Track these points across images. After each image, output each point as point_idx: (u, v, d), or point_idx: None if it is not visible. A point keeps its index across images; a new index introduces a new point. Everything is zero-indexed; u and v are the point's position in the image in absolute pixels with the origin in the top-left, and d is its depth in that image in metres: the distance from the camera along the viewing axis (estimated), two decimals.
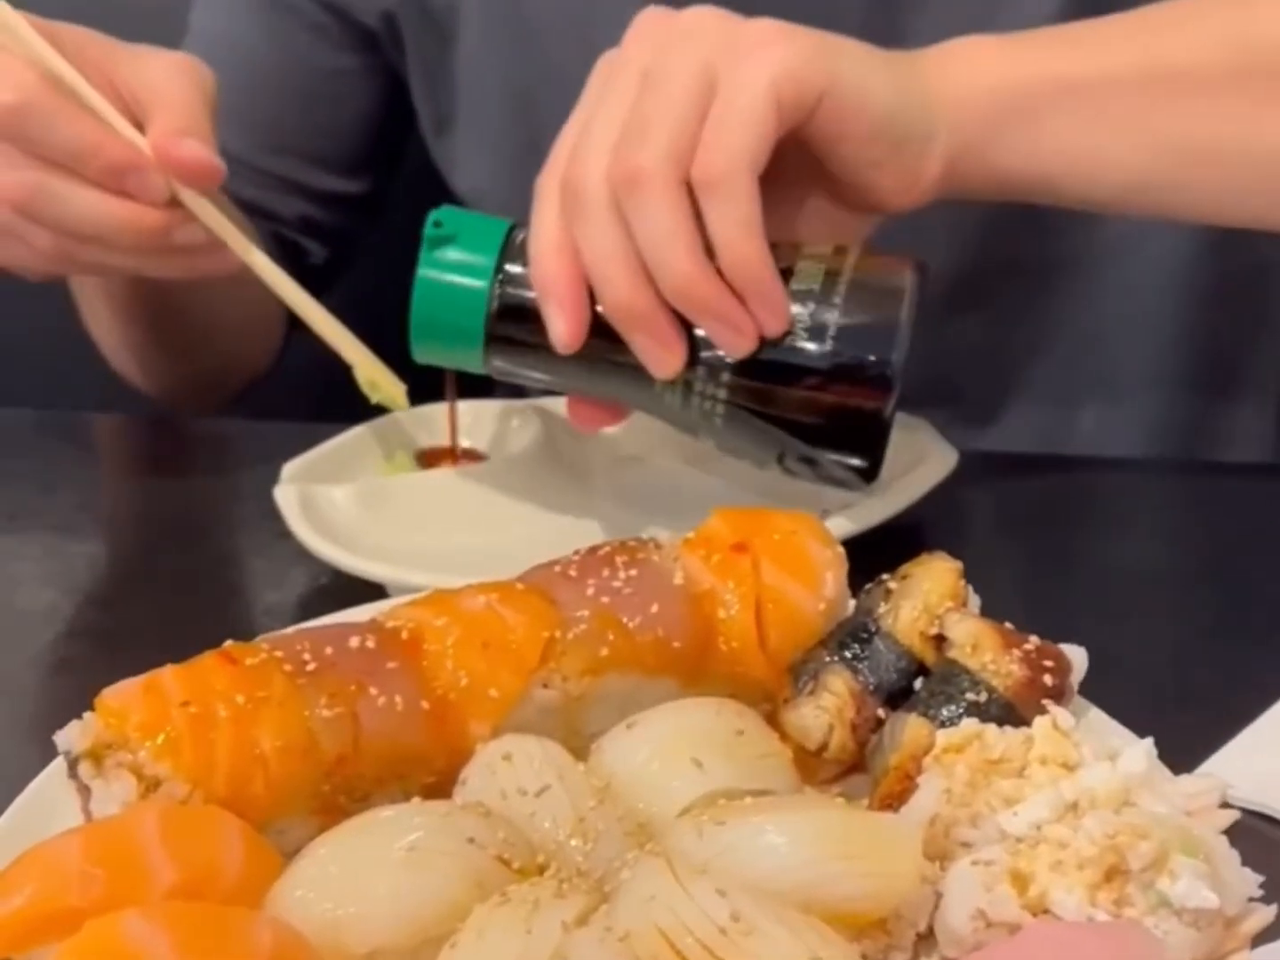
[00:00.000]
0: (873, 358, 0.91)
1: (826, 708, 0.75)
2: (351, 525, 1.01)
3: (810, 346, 0.91)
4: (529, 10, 1.27)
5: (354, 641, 0.74)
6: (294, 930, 0.62)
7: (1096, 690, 0.77)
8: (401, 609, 0.78)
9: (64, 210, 1.03)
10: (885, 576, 0.80)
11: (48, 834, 0.67)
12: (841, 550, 0.82)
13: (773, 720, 0.76)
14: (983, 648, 0.74)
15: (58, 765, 0.73)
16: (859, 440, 0.93)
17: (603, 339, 0.91)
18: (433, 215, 0.94)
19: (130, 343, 1.34)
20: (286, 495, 1.01)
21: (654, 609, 0.77)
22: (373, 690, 0.72)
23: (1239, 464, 1.26)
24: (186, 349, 1.34)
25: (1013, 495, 1.12)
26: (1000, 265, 1.25)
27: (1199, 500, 1.11)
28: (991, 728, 0.70)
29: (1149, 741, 0.69)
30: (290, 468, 1.05)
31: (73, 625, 1.00)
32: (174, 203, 1.04)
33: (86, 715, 0.70)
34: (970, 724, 0.71)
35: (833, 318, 0.91)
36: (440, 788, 0.72)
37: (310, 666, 0.72)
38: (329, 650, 0.73)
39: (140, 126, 1.03)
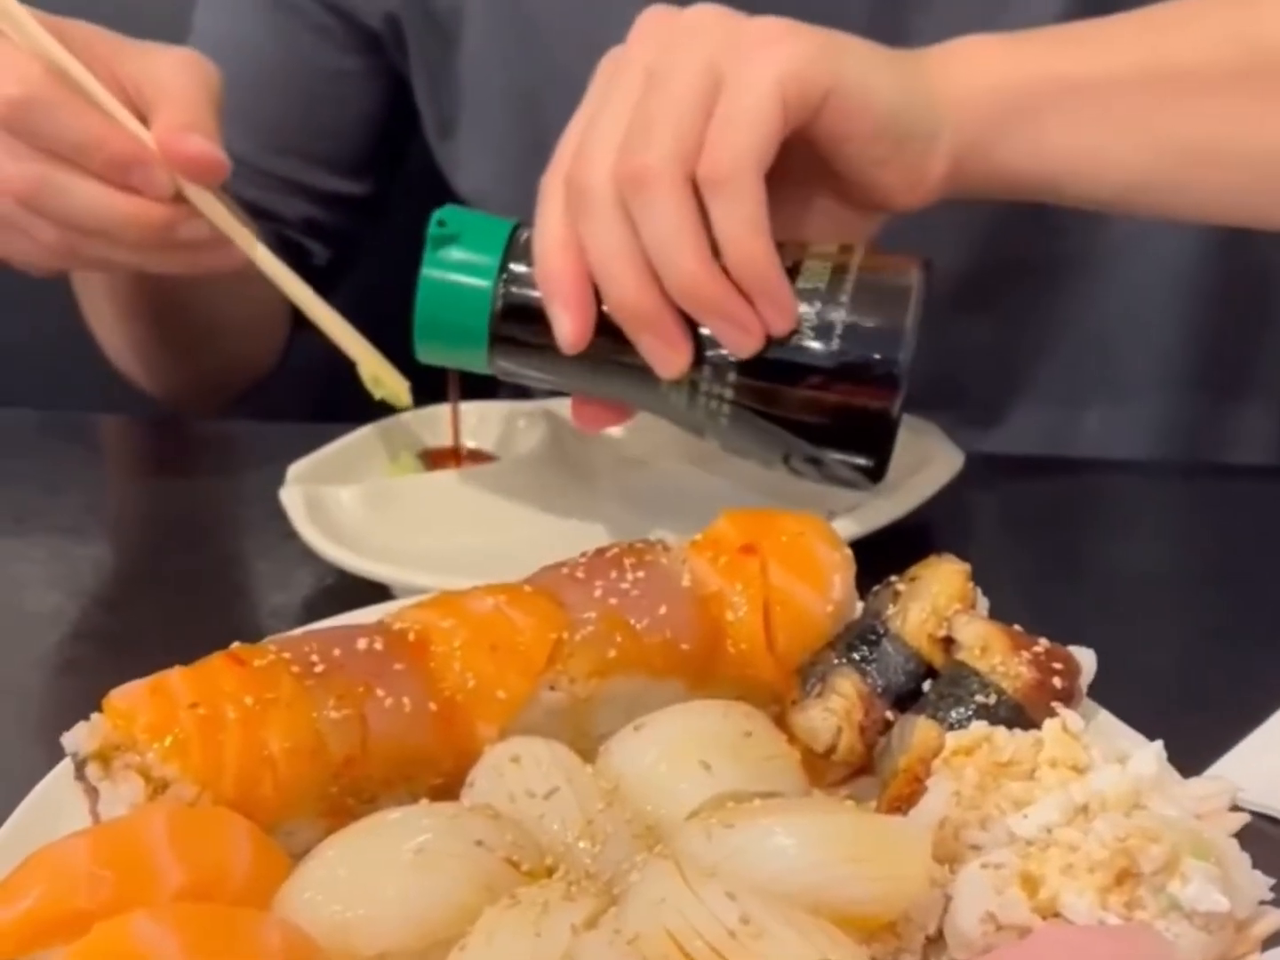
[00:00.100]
0: (880, 356, 0.91)
1: (835, 710, 0.75)
2: (357, 526, 1.01)
3: (817, 345, 0.91)
4: (532, 11, 1.27)
5: (361, 643, 0.74)
6: (303, 932, 0.62)
7: (1104, 692, 0.77)
8: (409, 611, 0.78)
9: (68, 204, 1.03)
10: (893, 579, 0.80)
11: (55, 836, 0.67)
12: (849, 552, 0.82)
13: (781, 722, 0.76)
14: (992, 650, 0.74)
15: (65, 767, 0.73)
16: (866, 440, 0.93)
17: (608, 338, 0.91)
18: (436, 214, 0.94)
19: (134, 342, 1.34)
20: (292, 496, 1.01)
21: (662, 611, 0.77)
22: (380, 692, 0.72)
23: (1246, 466, 1.26)
24: (190, 348, 1.34)
25: (1019, 497, 1.12)
26: (1006, 266, 1.25)
27: (1206, 502, 1.11)
28: (1001, 730, 0.70)
29: (1159, 744, 0.69)
30: (296, 469, 1.05)
31: (78, 627, 1.00)
32: (178, 198, 1.04)
33: (94, 717, 0.70)
34: (979, 726, 0.70)
35: (839, 316, 0.91)
36: (448, 789, 0.72)
37: (318, 668, 0.72)
38: (337, 652, 0.73)
39: (145, 121, 1.03)
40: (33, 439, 1.28)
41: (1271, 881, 0.66)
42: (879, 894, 0.63)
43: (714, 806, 0.68)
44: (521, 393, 1.19)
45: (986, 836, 0.67)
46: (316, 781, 0.70)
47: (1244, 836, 0.67)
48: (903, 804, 0.71)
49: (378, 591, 0.94)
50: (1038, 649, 0.75)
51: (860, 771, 0.76)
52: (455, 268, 0.93)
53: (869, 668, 0.76)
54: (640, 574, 0.79)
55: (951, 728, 0.72)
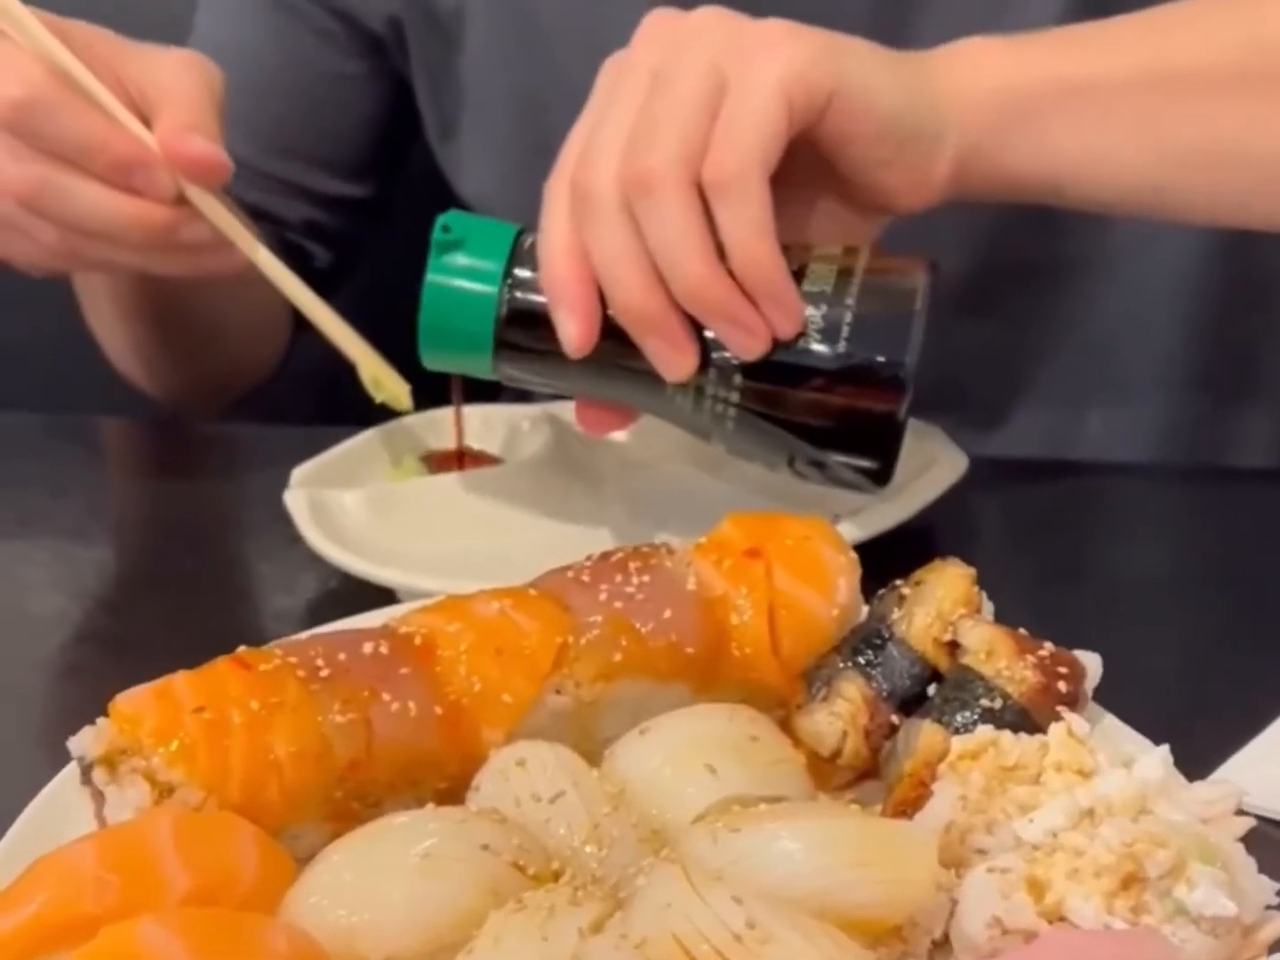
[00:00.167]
0: (886, 359, 0.91)
1: (840, 714, 0.75)
2: (361, 530, 1.01)
3: (823, 348, 0.91)
4: (535, 14, 1.27)
5: (367, 647, 0.74)
6: (309, 937, 0.62)
7: (1108, 696, 0.77)
8: (414, 615, 0.78)
9: (70, 205, 1.03)
10: (898, 582, 0.80)
11: (61, 840, 0.67)
12: (854, 556, 0.82)
13: (786, 726, 0.76)
14: (997, 654, 0.74)
15: (70, 771, 0.73)
16: (872, 442, 0.93)
17: (613, 343, 0.91)
18: (441, 220, 0.94)
19: (135, 344, 1.34)
20: (297, 500, 1.01)
21: (667, 615, 0.77)
22: (386, 696, 0.72)
23: (1250, 469, 1.26)
24: (192, 350, 1.34)
25: (1023, 501, 1.12)
26: (1008, 268, 1.25)
27: (1210, 506, 1.11)
28: (1007, 734, 0.70)
29: (1164, 748, 0.69)
30: (300, 472, 1.05)
31: (82, 630, 1.00)
32: (180, 200, 1.04)
33: (100, 721, 0.70)
34: (985, 731, 0.70)
35: (845, 319, 0.91)
36: (453, 793, 0.72)
37: (324, 672, 0.72)
38: (342, 656, 0.73)
39: (147, 123, 1.03)
40: (36, 442, 1.27)
41: (1277, 886, 0.66)
42: (885, 898, 0.63)
43: (720, 811, 0.68)
44: (524, 396, 1.19)
45: (992, 841, 0.67)
46: (322, 786, 0.70)
47: (1249, 841, 0.67)
48: (908, 808, 0.71)
49: (382, 595, 0.94)
50: (1043, 653, 0.75)
51: (865, 775, 0.76)
52: (460, 273, 0.93)
53: (874, 672, 0.76)
54: (645, 578, 0.79)
55: (957, 732, 0.72)
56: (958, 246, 1.21)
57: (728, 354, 0.91)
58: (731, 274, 0.89)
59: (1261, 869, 0.65)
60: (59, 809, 0.73)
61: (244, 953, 0.60)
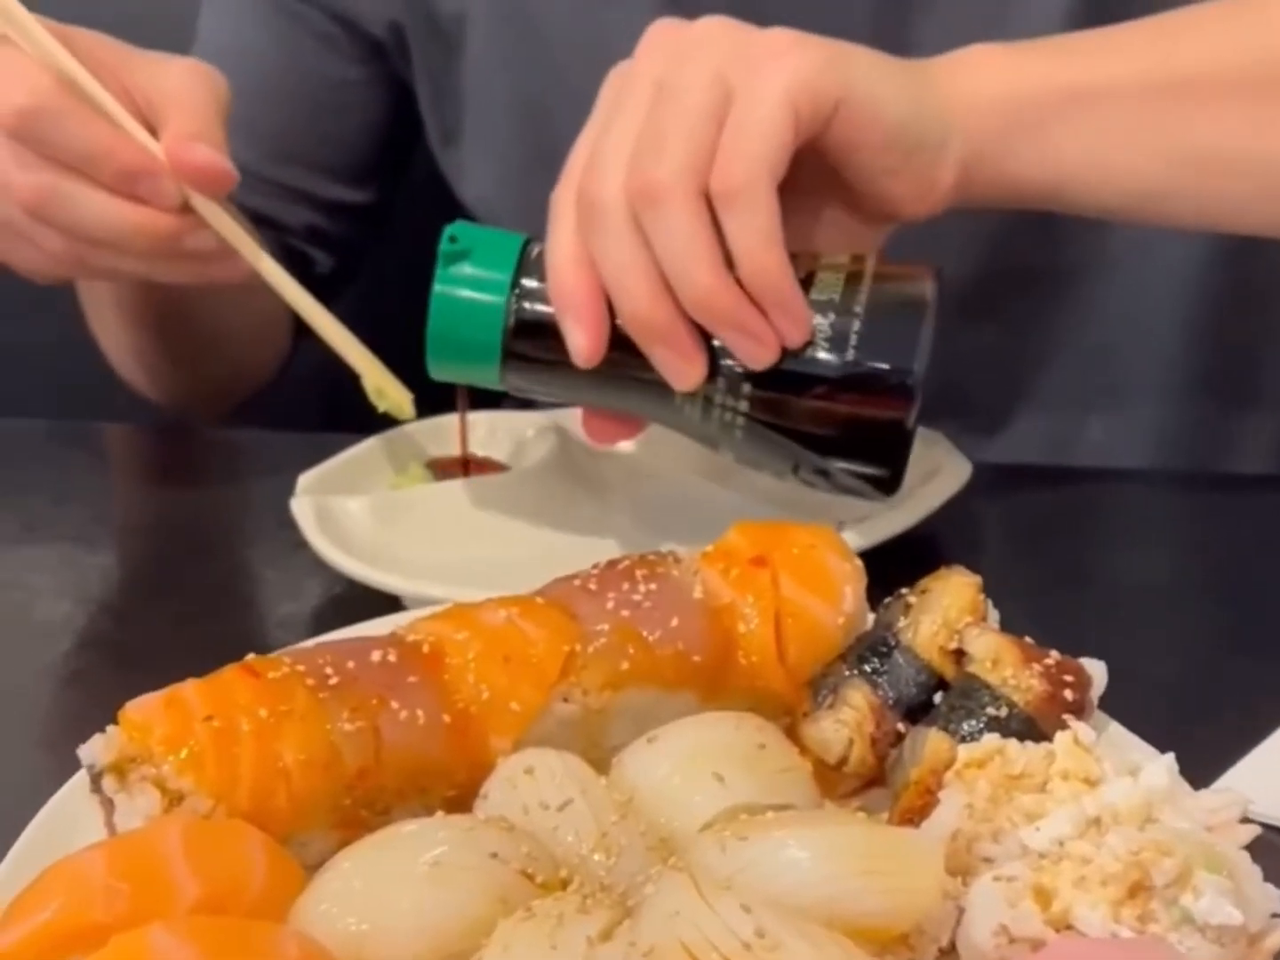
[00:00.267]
0: (895, 367, 0.91)
1: (846, 721, 0.75)
2: (367, 536, 1.01)
3: (831, 357, 0.91)
4: (537, 19, 1.27)
5: (375, 655, 0.74)
6: (318, 945, 0.62)
7: (1111, 703, 0.77)
8: (422, 623, 0.78)
9: (76, 213, 1.03)
10: (904, 591, 0.80)
11: (71, 848, 0.67)
12: (860, 564, 0.82)
13: (792, 734, 0.76)
14: (1003, 662, 0.74)
15: (79, 779, 0.73)
16: (881, 451, 0.93)
17: (621, 352, 0.91)
18: (448, 231, 0.94)
19: (138, 350, 1.34)
20: (302, 507, 1.01)
21: (674, 623, 0.77)
22: (394, 704, 0.72)
23: (1253, 476, 1.26)
24: (194, 356, 1.34)
25: (1027, 508, 1.12)
26: (1010, 274, 1.26)
27: (1212, 512, 1.11)
28: (1013, 743, 0.70)
29: (1170, 757, 0.69)
30: (305, 479, 1.05)
31: (87, 636, 1.00)
32: (186, 208, 1.04)
33: (110, 729, 0.70)
34: (991, 739, 0.70)
35: (854, 327, 0.91)
36: (461, 801, 0.72)
37: (332, 680, 0.72)
38: (351, 664, 0.73)
39: (153, 131, 1.03)
40: (41, 447, 1.28)
41: None
42: (892, 906, 0.63)
43: (727, 819, 0.68)
44: (527, 403, 1.19)
45: (999, 849, 0.67)
46: (330, 793, 0.71)
47: (1254, 849, 0.67)
48: (914, 816, 0.71)
49: (387, 602, 0.94)
50: (1049, 661, 0.75)
51: (871, 783, 0.77)
52: (467, 284, 0.93)
53: (880, 680, 0.77)
54: (652, 586, 0.79)
55: (963, 740, 0.72)
56: (959, 252, 1.21)
57: (736, 363, 0.91)
58: (739, 283, 0.89)
59: (1266, 877, 0.65)
60: (68, 817, 0.73)
61: None
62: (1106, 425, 1.30)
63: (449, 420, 1.11)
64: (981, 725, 0.73)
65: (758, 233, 0.88)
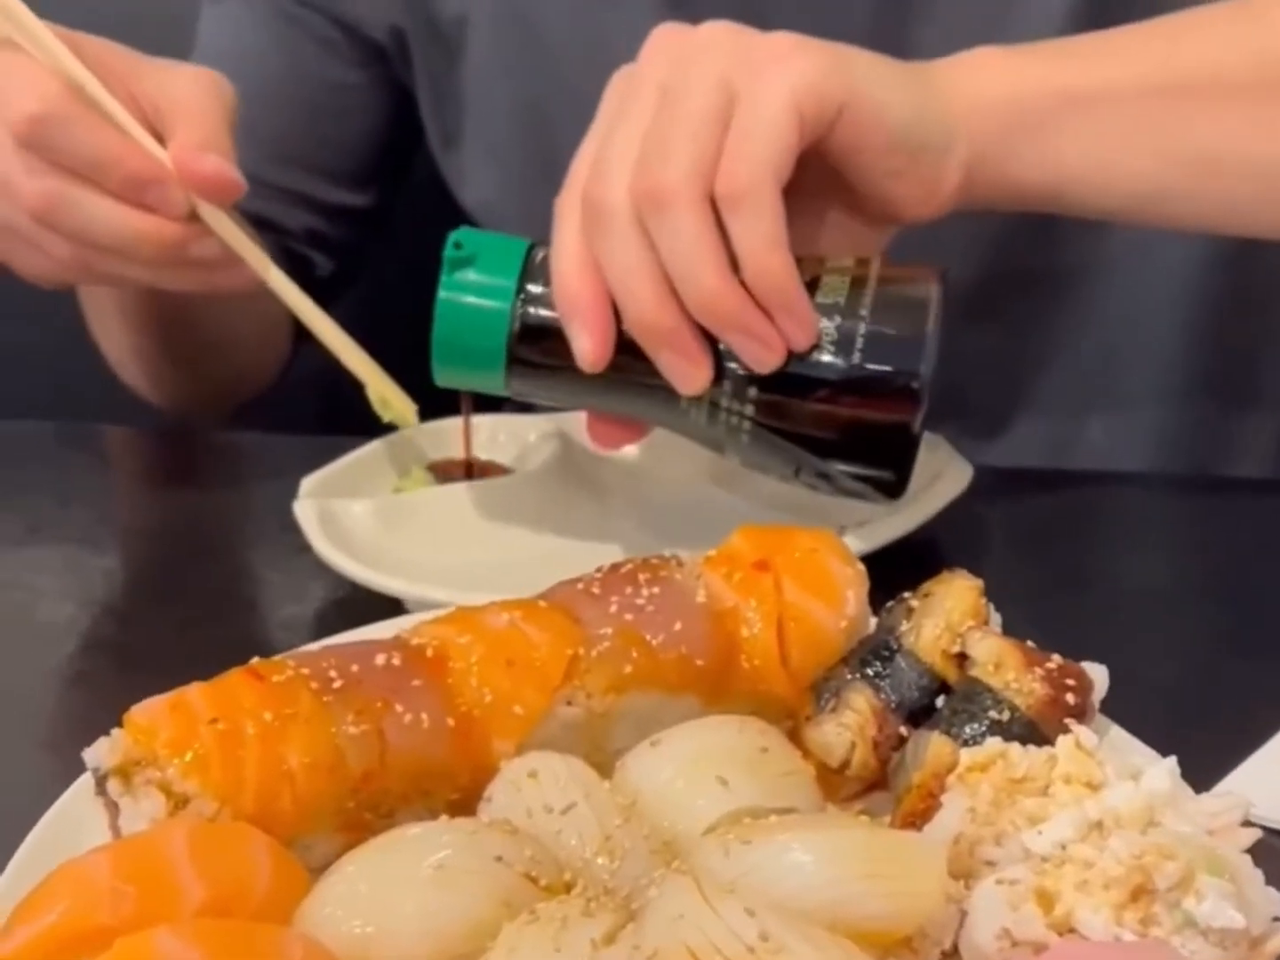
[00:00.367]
0: (901, 370, 0.91)
1: (849, 725, 0.76)
2: (370, 540, 1.01)
3: (838, 360, 0.91)
4: (538, 24, 1.27)
5: (379, 659, 0.74)
6: (323, 948, 0.62)
7: (1112, 707, 0.77)
8: (425, 626, 0.78)
9: (83, 220, 1.03)
10: (907, 595, 0.80)
11: (76, 851, 0.67)
12: (862, 568, 0.82)
13: (794, 738, 0.77)
14: (1005, 666, 0.75)
15: (84, 782, 0.73)
16: (887, 454, 0.93)
17: (626, 357, 0.91)
18: (452, 236, 0.94)
19: (141, 353, 1.34)
20: (305, 510, 1.01)
21: (677, 627, 0.77)
22: (399, 707, 0.72)
23: (1254, 479, 1.26)
24: (197, 359, 1.34)
25: (1027, 511, 1.12)
26: (1010, 276, 1.26)
27: (1213, 516, 1.11)
28: (1015, 746, 0.70)
29: (1172, 760, 0.69)
30: (309, 482, 1.05)
31: (90, 638, 1.00)
32: (192, 216, 1.04)
33: (115, 732, 0.70)
34: (994, 743, 0.71)
35: (860, 330, 0.91)
36: (465, 804, 0.73)
37: (337, 684, 0.72)
38: (355, 667, 0.74)
39: (160, 139, 1.03)
40: (45, 450, 1.28)
41: None
42: (895, 910, 0.64)
43: (731, 822, 0.68)
44: (528, 406, 1.19)
45: (1001, 853, 0.67)
46: (335, 796, 0.71)
47: (1256, 852, 0.67)
48: (917, 820, 0.71)
49: (390, 605, 0.94)
50: (1051, 665, 0.75)
51: (873, 787, 0.77)
52: (472, 290, 0.93)
53: (883, 683, 0.77)
54: (655, 590, 0.79)
55: (965, 744, 0.72)
56: (960, 255, 1.21)
57: (742, 367, 0.91)
58: (745, 287, 0.89)
59: (1268, 881, 0.66)
60: (73, 820, 0.73)
61: None
62: (1106, 427, 1.30)
63: (451, 424, 1.11)
64: (984, 729, 0.73)
65: (763, 236, 0.88)
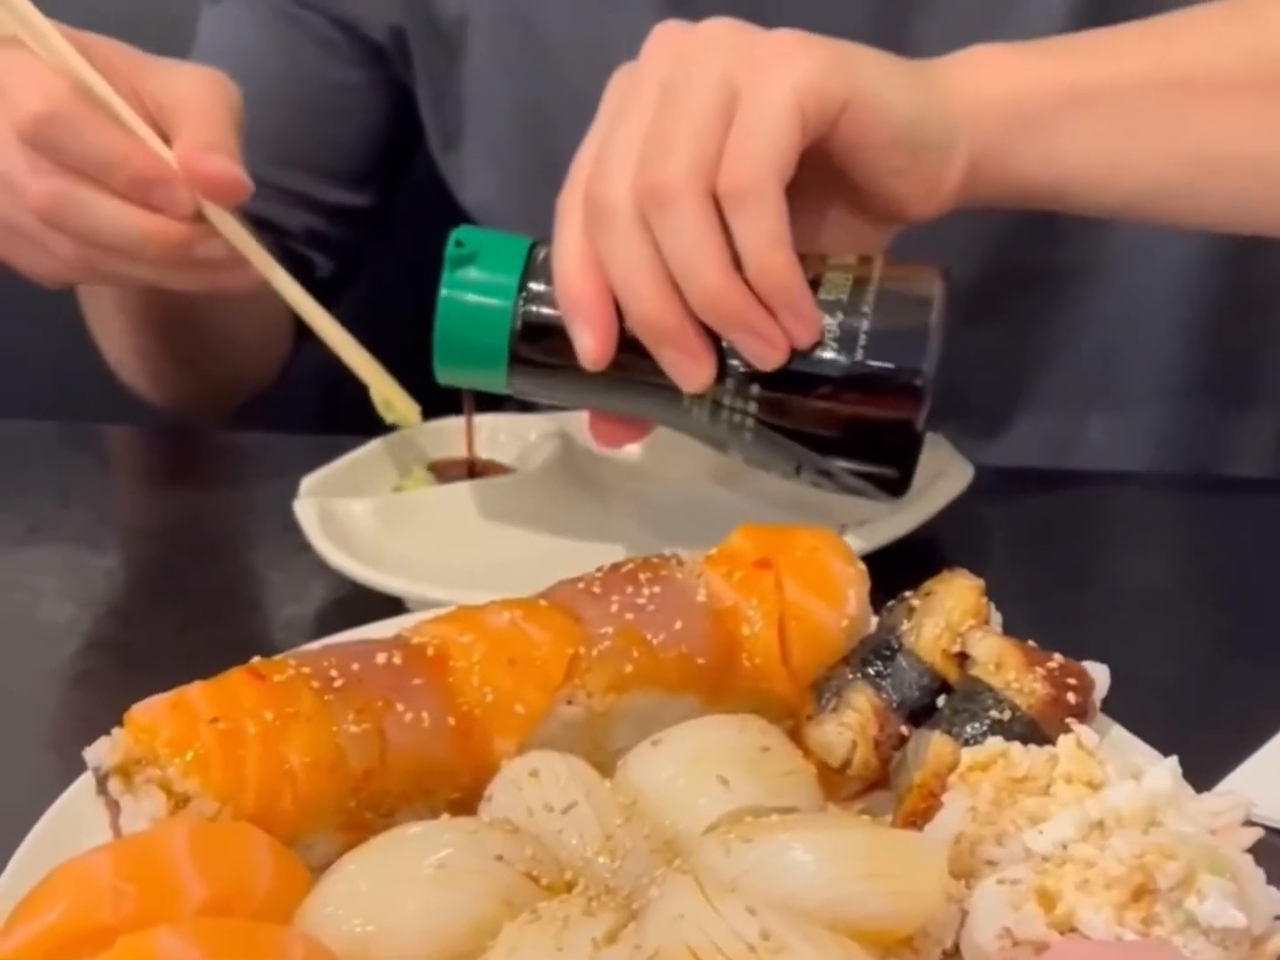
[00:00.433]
0: (904, 367, 0.91)
1: (850, 724, 0.76)
2: (370, 539, 1.01)
3: (841, 357, 0.91)
4: (539, 25, 1.27)
5: (380, 658, 0.74)
6: (324, 947, 0.62)
7: (1112, 707, 0.77)
8: (426, 625, 0.78)
9: (89, 220, 1.03)
10: (907, 594, 0.80)
11: (76, 850, 0.67)
12: (863, 567, 0.82)
13: (795, 737, 0.76)
14: (1006, 666, 0.75)
15: (84, 781, 0.73)
16: (891, 451, 0.93)
17: (629, 355, 0.91)
18: (454, 235, 0.94)
19: (142, 353, 1.34)
20: (306, 509, 1.01)
21: (678, 626, 0.77)
22: (399, 706, 0.72)
23: (1255, 479, 1.26)
24: (199, 359, 1.34)
25: (1027, 510, 1.12)
26: (1009, 275, 1.26)
27: (1213, 516, 1.11)
28: (1017, 746, 0.70)
29: (1173, 760, 0.69)
30: (309, 481, 1.05)
31: (91, 639, 1.00)
32: (198, 217, 1.04)
33: (116, 731, 0.70)
34: (995, 742, 0.71)
35: (863, 327, 0.91)
36: (465, 804, 0.73)
37: (337, 683, 0.72)
38: (356, 667, 0.73)
39: (165, 139, 1.03)
40: (45, 450, 1.28)
41: None
42: (896, 909, 0.64)
43: (732, 821, 0.68)
44: (529, 405, 1.19)
45: (1002, 852, 0.67)
46: (335, 795, 0.71)
47: (1257, 852, 0.67)
48: (918, 819, 0.71)
49: (391, 604, 0.94)
50: (1052, 665, 0.75)
51: (874, 786, 0.77)
52: (474, 288, 0.93)
53: (884, 683, 0.77)
54: (656, 589, 0.79)
55: (966, 743, 0.72)
56: (960, 254, 1.21)
57: (744, 365, 0.91)
58: (748, 284, 0.89)
59: (1270, 880, 0.66)
60: (74, 819, 0.73)
61: None
62: (1106, 427, 1.30)
63: (452, 423, 1.11)
64: (985, 728, 0.73)
65: (766, 234, 0.88)
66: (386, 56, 1.35)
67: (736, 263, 0.89)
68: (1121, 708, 0.77)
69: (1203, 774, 0.73)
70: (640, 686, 0.76)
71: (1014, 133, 0.98)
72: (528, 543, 1.02)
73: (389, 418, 1.07)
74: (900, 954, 0.65)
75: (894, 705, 0.76)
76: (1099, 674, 0.76)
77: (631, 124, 0.91)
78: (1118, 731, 0.77)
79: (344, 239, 1.41)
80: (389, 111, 1.39)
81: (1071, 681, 0.74)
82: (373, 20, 1.33)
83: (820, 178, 0.95)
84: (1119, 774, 0.68)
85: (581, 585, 0.80)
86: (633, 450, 1.07)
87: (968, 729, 0.73)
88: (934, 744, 0.73)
